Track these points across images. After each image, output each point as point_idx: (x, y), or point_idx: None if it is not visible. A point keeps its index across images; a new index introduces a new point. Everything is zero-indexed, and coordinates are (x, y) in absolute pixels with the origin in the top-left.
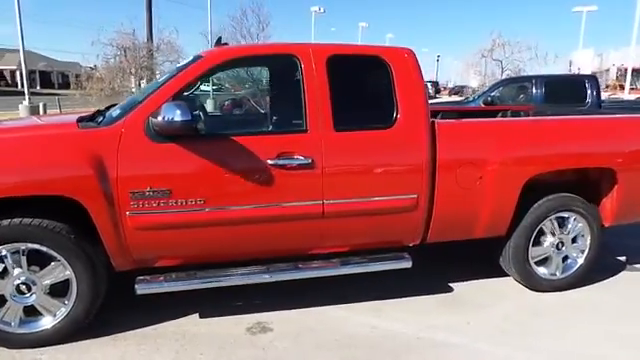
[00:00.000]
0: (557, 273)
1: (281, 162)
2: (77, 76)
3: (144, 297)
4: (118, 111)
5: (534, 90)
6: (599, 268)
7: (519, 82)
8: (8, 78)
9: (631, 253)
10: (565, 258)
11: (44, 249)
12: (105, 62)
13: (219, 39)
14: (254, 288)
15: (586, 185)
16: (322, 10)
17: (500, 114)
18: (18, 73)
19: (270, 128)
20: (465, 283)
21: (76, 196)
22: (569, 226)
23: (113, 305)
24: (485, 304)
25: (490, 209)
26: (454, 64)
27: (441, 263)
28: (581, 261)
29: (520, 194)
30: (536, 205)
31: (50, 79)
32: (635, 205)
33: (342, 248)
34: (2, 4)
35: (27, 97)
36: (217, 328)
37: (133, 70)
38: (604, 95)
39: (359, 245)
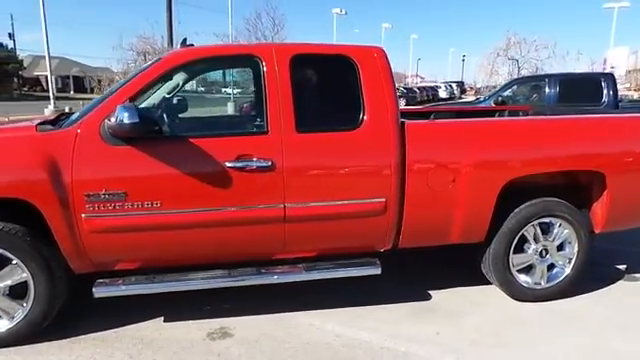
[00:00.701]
0: (542, 282)
1: (239, 164)
2: (99, 81)
3: (113, 300)
4: (78, 114)
5: (548, 89)
6: (594, 277)
7: (532, 81)
8: (43, 84)
9: (631, 261)
10: (551, 266)
11: (0, 251)
12: (126, 66)
13: (184, 40)
14: (225, 293)
15: (577, 190)
16: (343, 12)
17: (497, 114)
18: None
19: (230, 130)
20: (445, 290)
21: (30, 199)
22: (554, 232)
23: (80, 308)
24: (461, 313)
25: (465, 214)
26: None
27: (423, 268)
28: (568, 270)
29: (498, 198)
30: (517, 210)
31: (83, 84)
32: (627, 211)
33: (308, 253)
34: (37, 12)
35: (52, 101)
36: (178, 333)
37: None
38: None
39: (327, 250)
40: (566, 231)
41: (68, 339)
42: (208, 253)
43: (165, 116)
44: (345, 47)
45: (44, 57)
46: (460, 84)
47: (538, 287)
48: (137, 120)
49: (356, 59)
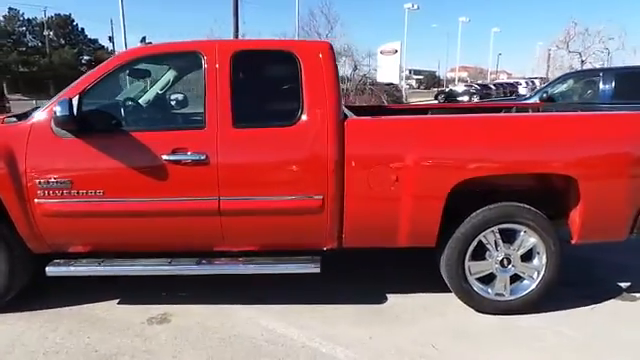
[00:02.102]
0: (505, 294)
1: (175, 157)
2: None
3: (86, 281)
4: (41, 108)
5: (602, 85)
6: (582, 292)
7: (586, 76)
8: None
9: (629, 276)
10: (516, 278)
11: None
12: None
13: (143, 38)
14: (186, 282)
15: (554, 196)
16: (416, 7)
17: (503, 111)
18: None
19: (169, 124)
20: (407, 295)
21: None
22: (517, 241)
23: (46, 286)
24: (408, 319)
25: (410, 216)
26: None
27: (394, 270)
28: (535, 283)
29: (448, 200)
30: (473, 214)
31: None
32: (605, 222)
33: (250, 247)
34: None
35: None
36: (124, 315)
37: None
38: None
39: (269, 245)
40: (532, 240)
41: (30, 312)
42: (151, 242)
43: (109, 111)
44: (288, 42)
45: None
46: (544, 79)
47: (500, 299)
48: (67, 113)
49: (298, 55)
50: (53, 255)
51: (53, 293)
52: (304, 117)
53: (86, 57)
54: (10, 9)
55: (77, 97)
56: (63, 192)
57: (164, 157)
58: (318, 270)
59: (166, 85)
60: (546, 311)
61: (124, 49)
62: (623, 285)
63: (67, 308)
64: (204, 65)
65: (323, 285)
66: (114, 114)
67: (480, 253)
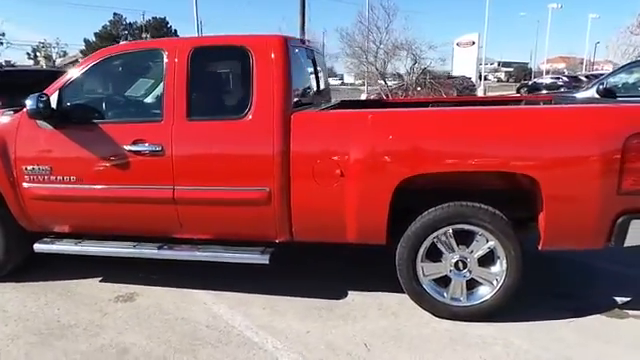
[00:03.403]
0: (461, 299)
1: (135, 148)
2: None
3: (78, 259)
4: None
5: None
6: (566, 303)
7: None
8: None
9: (629, 290)
10: (476, 283)
11: None
12: None
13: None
14: (162, 265)
15: (520, 197)
16: (560, 6)
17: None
18: None
19: (133, 117)
20: (366, 293)
21: None
22: (474, 243)
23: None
24: (357, 317)
25: (356, 212)
26: None
27: (368, 268)
28: (493, 290)
29: (398, 197)
30: (425, 213)
31: None
32: (570, 227)
33: (205, 235)
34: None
35: None
36: (98, 292)
37: None
38: None
39: (223, 235)
40: (491, 243)
41: (24, 283)
42: (119, 227)
43: (83, 104)
44: (242, 38)
45: None
46: None
47: (456, 304)
48: (34, 107)
49: (251, 50)
50: (46, 235)
51: (49, 269)
52: (253, 111)
53: None
54: (115, 14)
55: (57, 92)
56: (44, 178)
57: (126, 148)
58: (266, 262)
59: (135, 81)
60: (512, 320)
61: None
62: (618, 300)
63: (56, 282)
64: (165, 61)
65: (289, 279)
66: (86, 107)
67: (436, 254)
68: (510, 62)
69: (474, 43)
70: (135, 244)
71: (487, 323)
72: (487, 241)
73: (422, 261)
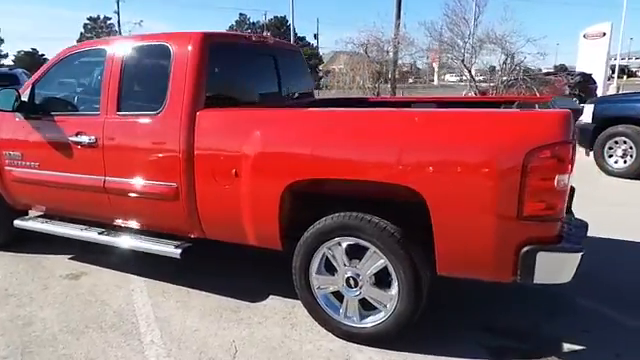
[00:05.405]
0: (354, 318)
1: (77, 139)
2: (327, 72)
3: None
4: None
5: None
6: (492, 341)
7: None
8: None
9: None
10: (367, 303)
11: None
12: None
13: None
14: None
15: (418, 212)
16: None
17: (502, 106)
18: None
19: (79, 110)
20: (284, 298)
21: None
22: (364, 260)
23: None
24: (251, 322)
25: (249, 214)
26: None
27: None
28: (387, 314)
29: (289, 202)
30: (317, 222)
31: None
32: (463, 254)
33: (134, 225)
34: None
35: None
36: (56, 268)
37: (370, 65)
38: None
39: (147, 225)
40: (381, 261)
41: (11, 253)
42: (71, 210)
43: (45, 98)
44: (164, 35)
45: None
46: None
47: (348, 323)
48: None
49: (171, 47)
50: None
51: (44, 243)
52: (166, 106)
53: None
54: (240, 14)
55: (30, 85)
56: (18, 162)
57: (70, 138)
58: (177, 255)
59: (85, 77)
60: (415, 352)
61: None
62: (567, 345)
63: (36, 255)
64: (106, 58)
65: (225, 276)
66: (48, 100)
67: (333, 267)
68: None
69: (605, 34)
70: (82, 228)
71: (384, 350)
72: (379, 259)
73: (317, 272)
